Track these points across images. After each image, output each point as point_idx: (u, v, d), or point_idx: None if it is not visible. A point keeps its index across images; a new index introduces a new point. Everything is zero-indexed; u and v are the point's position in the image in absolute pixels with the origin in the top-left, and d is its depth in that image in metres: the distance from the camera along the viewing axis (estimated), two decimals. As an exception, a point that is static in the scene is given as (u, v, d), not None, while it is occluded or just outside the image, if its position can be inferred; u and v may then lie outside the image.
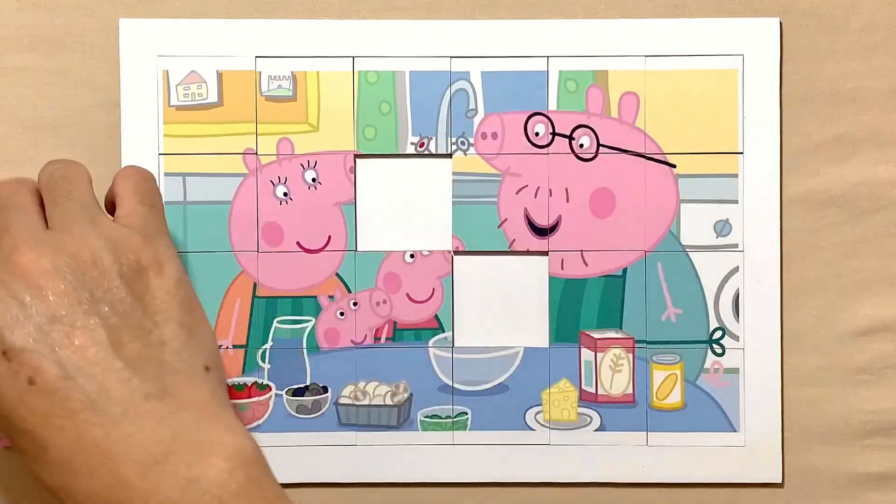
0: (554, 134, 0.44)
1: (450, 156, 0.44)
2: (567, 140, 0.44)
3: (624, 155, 0.44)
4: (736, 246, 0.44)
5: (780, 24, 0.44)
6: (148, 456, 0.32)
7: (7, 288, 0.34)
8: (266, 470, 0.34)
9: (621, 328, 0.44)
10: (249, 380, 0.45)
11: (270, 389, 0.45)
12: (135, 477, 0.32)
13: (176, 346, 0.36)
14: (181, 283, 0.37)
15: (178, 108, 0.44)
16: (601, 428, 0.44)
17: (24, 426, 0.33)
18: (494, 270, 0.45)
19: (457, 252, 0.45)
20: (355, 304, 0.45)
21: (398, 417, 0.45)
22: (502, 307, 0.45)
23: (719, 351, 0.44)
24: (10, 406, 0.33)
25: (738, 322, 0.44)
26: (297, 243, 0.44)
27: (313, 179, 0.44)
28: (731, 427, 0.44)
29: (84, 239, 0.36)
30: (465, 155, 0.44)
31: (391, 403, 0.45)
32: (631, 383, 0.44)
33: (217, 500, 0.32)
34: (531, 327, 0.45)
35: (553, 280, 0.44)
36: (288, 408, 0.44)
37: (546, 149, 0.44)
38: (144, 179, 0.40)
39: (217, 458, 0.33)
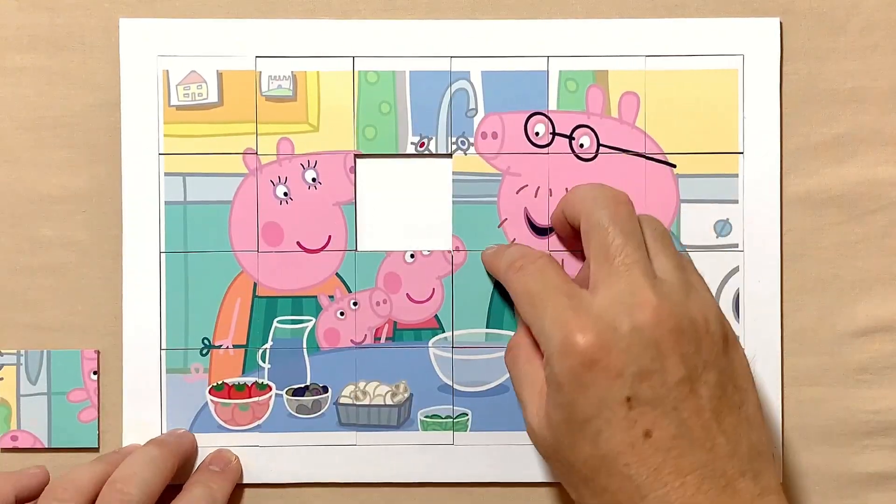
0: (554, 134, 0.44)
1: (450, 156, 0.44)
2: (567, 140, 0.44)
3: (624, 155, 0.44)
4: (736, 246, 0.44)
5: (780, 24, 0.44)
6: None
7: (639, 340, 0.34)
8: None
9: (621, 328, 0.44)
10: (249, 380, 0.45)
11: (270, 389, 0.45)
12: None
13: (756, 425, 0.35)
14: (747, 358, 0.37)
15: (179, 108, 0.44)
16: (601, 428, 0.44)
17: (626, 472, 0.34)
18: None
19: (457, 251, 0.44)
20: (355, 304, 0.45)
21: (398, 417, 0.45)
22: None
23: (719, 351, 0.44)
24: (616, 451, 0.34)
25: (738, 322, 0.44)
26: (297, 243, 0.44)
27: (313, 179, 0.44)
28: (732, 427, 0.44)
29: (697, 303, 0.36)
30: (465, 155, 0.44)
31: (391, 403, 0.45)
32: (631, 383, 0.44)
33: None
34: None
35: (553, 280, 0.44)
36: (288, 408, 0.44)
37: (546, 149, 0.44)
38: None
39: None
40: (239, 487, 0.45)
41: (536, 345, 0.38)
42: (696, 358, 0.35)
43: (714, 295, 0.44)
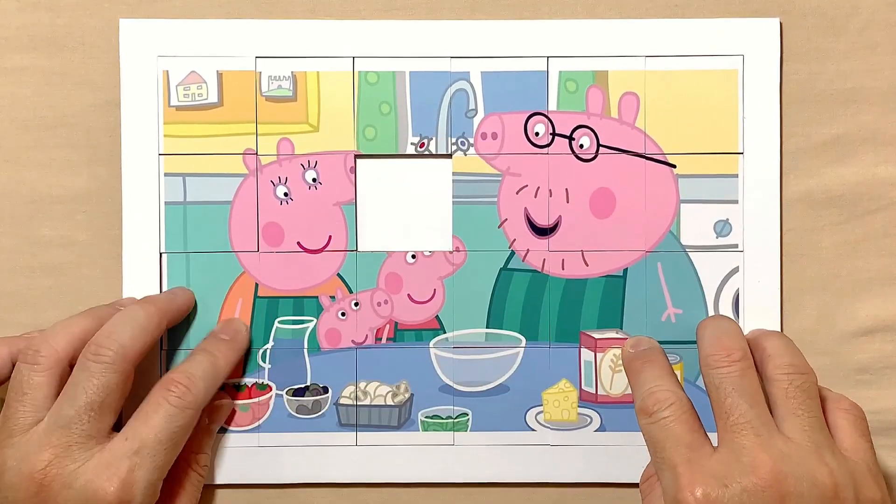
0: (554, 134, 0.44)
1: (450, 156, 0.44)
2: (567, 140, 0.44)
3: (624, 155, 0.44)
4: (736, 246, 0.44)
5: (780, 24, 0.44)
6: None
7: (749, 501, 0.36)
8: None
9: (622, 328, 0.44)
10: (250, 380, 0.44)
11: (271, 389, 0.45)
12: None
13: None
14: None
15: (179, 108, 0.44)
16: (601, 428, 0.44)
17: None
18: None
19: (457, 252, 0.44)
20: (356, 304, 0.45)
21: (399, 418, 0.45)
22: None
23: (719, 351, 0.44)
24: None
25: (738, 322, 0.44)
26: (298, 243, 0.44)
27: (314, 179, 0.44)
28: (732, 427, 0.44)
29: (830, 466, 0.37)
30: (465, 155, 0.44)
31: (392, 404, 0.45)
32: (631, 383, 0.44)
33: None
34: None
35: (553, 280, 0.44)
36: (288, 408, 0.44)
37: (546, 149, 0.44)
38: None
39: None
40: (239, 488, 0.45)
41: None
42: None
43: (714, 295, 0.44)
